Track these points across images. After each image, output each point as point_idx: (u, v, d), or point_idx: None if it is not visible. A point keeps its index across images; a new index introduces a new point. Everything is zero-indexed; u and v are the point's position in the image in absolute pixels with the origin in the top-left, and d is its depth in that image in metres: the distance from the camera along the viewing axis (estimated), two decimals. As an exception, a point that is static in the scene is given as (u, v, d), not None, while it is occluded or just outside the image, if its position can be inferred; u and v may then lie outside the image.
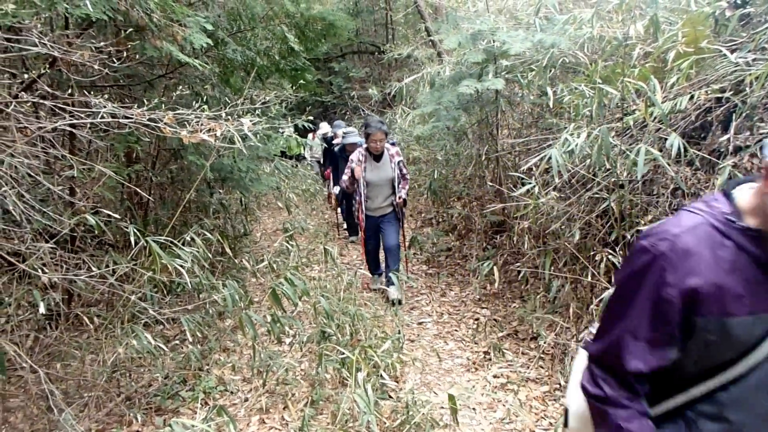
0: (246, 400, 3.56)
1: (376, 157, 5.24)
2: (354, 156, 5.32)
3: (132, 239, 3.22)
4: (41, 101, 2.90)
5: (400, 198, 5.31)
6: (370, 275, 5.86)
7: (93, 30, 4.08)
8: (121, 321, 3.43)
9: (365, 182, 5.26)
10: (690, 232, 1.23)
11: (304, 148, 13.28)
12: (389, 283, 5.23)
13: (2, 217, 2.98)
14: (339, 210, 8.76)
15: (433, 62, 9.54)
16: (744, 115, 3.38)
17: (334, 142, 8.80)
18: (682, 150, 3.35)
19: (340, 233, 8.59)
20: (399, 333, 4.02)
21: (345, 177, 5.37)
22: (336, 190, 7.92)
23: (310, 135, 11.84)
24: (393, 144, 5.52)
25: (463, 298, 5.43)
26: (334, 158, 8.20)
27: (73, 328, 3.82)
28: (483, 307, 5.12)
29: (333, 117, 16.63)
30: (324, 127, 11.17)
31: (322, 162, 11.02)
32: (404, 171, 5.40)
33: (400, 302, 4.99)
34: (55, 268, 3.09)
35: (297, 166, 12.84)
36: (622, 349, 1.27)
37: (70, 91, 2.86)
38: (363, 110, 13.79)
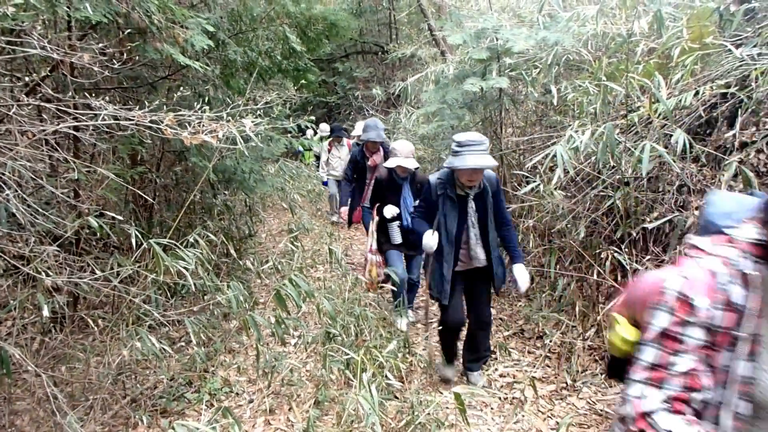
0: (251, 401, 3.55)
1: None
2: None
3: (133, 241, 3.22)
4: (44, 104, 2.89)
5: None
6: None
7: (95, 32, 4.09)
8: (126, 323, 3.42)
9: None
10: None
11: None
12: None
13: (6, 221, 2.98)
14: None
15: (437, 61, 9.53)
16: (750, 110, 3.35)
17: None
18: (688, 146, 3.32)
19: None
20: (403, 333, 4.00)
21: None
22: (397, 236, 4.61)
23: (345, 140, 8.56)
24: None
25: (469, 297, 5.40)
26: (379, 188, 4.55)
27: (78, 331, 3.82)
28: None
29: (337, 117, 16.63)
30: (359, 129, 7.50)
31: (347, 179, 5.67)
32: None
33: None
34: (59, 271, 3.08)
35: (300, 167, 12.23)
36: None
37: (71, 93, 2.86)
38: (367, 110, 13.78)
